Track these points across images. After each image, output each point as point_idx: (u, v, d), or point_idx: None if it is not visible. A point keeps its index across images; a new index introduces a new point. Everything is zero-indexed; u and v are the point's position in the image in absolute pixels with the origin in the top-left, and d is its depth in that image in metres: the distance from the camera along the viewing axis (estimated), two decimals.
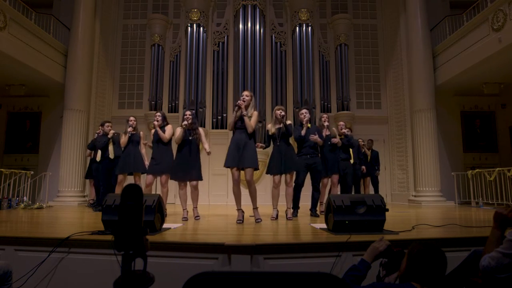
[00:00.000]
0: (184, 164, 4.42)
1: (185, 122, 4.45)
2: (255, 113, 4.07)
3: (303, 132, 4.70)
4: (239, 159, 3.89)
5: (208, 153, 4.50)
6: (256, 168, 4.02)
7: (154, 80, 8.98)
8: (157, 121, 4.81)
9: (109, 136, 6.03)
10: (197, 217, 4.35)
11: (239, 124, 3.98)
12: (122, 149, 5.50)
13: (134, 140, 5.44)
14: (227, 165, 3.97)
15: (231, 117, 4.12)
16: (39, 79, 7.71)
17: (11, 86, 8.15)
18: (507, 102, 9.06)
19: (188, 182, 4.51)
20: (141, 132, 5.58)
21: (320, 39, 9.34)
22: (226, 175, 8.50)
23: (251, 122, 3.97)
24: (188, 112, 4.55)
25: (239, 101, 3.99)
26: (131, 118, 5.57)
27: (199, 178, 4.48)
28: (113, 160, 5.90)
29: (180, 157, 4.47)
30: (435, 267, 1.46)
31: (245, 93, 4.11)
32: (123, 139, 5.42)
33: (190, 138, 4.47)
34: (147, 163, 5.34)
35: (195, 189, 4.50)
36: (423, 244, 1.53)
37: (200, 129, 4.63)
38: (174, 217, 4.70)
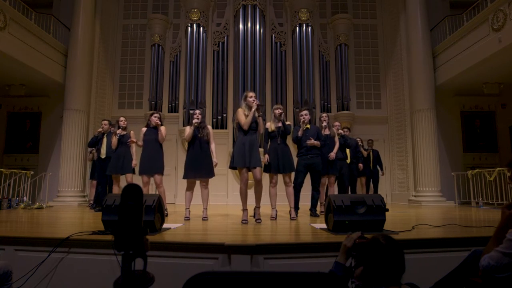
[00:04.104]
0: (196, 162, 4.45)
1: (195, 120, 4.51)
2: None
3: (300, 133, 4.71)
4: (249, 159, 3.91)
5: (215, 165, 4.50)
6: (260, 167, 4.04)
7: (154, 80, 8.97)
8: (158, 119, 4.91)
9: (96, 133, 6.17)
10: (205, 218, 4.33)
11: (253, 125, 4.01)
12: (113, 150, 5.49)
13: (124, 141, 5.44)
14: (237, 165, 3.93)
15: (243, 117, 4.00)
16: (39, 79, 7.70)
17: (11, 86, 8.14)
18: (507, 102, 9.05)
19: (198, 182, 4.54)
20: (131, 132, 5.56)
21: (320, 39, 9.33)
22: (226, 175, 8.50)
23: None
24: (197, 111, 4.63)
25: (257, 102, 3.98)
26: (121, 118, 5.62)
27: (211, 174, 4.52)
28: (104, 160, 5.93)
29: (191, 155, 4.51)
30: (384, 259, 1.34)
31: (253, 94, 4.10)
32: (114, 141, 5.43)
33: (200, 135, 4.51)
34: (135, 162, 5.35)
35: (205, 188, 4.52)
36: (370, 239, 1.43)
37: (209, 127, 4.67)
38: (174, 217, 4.71)
